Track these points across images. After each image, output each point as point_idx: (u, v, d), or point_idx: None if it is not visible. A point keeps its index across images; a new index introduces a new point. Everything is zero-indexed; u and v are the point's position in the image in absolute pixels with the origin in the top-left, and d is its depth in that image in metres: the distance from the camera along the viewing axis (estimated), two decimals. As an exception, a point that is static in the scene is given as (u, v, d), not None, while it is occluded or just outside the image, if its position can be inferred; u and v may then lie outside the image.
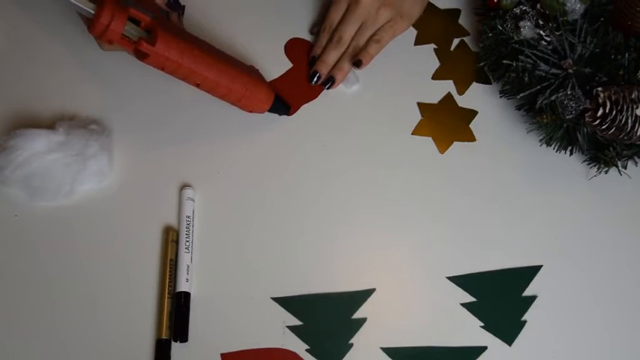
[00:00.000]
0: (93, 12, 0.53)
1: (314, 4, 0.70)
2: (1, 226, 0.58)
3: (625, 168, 0.61)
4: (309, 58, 0.66)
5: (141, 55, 0.55)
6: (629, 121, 0.56)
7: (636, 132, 0.57)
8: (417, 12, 0.68)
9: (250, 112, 0.62)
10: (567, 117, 0.58)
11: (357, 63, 0.64)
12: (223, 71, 0.58)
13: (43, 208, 0.59)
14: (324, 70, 0.65)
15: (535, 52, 0.60)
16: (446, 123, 0.65)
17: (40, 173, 0.57)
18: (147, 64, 0.55)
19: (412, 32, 0.69)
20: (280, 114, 0.64)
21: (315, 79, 0.65)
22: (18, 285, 0.56)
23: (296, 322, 0.57)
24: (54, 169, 0.57)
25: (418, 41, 0.69)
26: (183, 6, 0.63)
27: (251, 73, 0.61)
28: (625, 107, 0.56)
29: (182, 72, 0.56)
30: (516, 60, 0.61)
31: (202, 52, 0.56)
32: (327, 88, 0.65)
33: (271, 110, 0.62)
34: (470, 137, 0.65)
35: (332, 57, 0.65)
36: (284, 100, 0.63)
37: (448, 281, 0.59)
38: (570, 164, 0.64)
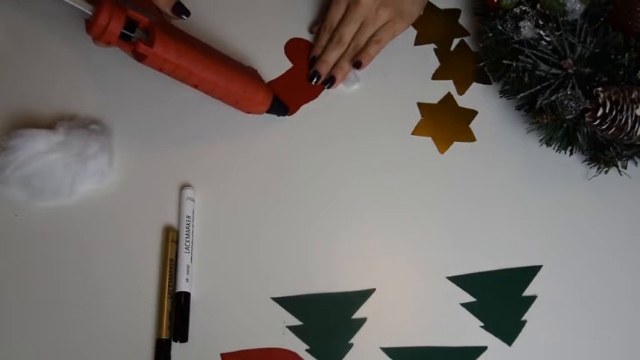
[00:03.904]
0: (91, 13, 0.53)
1: (314, 4, 0.70)
2: (1, 226, 0.58)
3: (625, 168, 0.61)
4: (310, 57, 0.66)
5: (139, 57, 0.55)
6: (629, 121, 0.56)
7: (636, 132, 0.56)
8: (417, 12, 0.68)
9: (248, 113, 0.62)
10: (567, 117, 0.58)
11: (357, 64, 0.64)
12: (221, 73, 0.58)
13: (43, 208, 0.59)
14: (324, 69, 0.65)
15: (535, 52, 0.60)
16: (446, 123, 0.65)
17: (40, 173, 0.57)
18: (145, 66, 0.55)
19: (412, 32, 0.69)
20: (279, 115, 0.64)
21: (316, 78, 0.65)
22: (18, 285, 0.56)
23: (296, 322, 0.56)
24: (54, 169, 0.57)
25: (418, 41, 0.69)
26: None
27: (249, 74, 0.61)
28: (625, 107, 0.56)
29: (180, 73, 0.56)
30: (516, 60, 0.61)
31: (200, 54, 0.56)
32: (328, 88, 0.66)
33: (269, 111, 0.62)
34: (470, 137, 0.65)
35: (332, 57, 0.65)
36: (282, 101, 0.63)
37: (448, 281, 0.59)
38: (570, 164, 0.64)
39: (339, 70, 0.65)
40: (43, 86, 0.64)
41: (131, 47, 0.54)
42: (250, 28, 0.68)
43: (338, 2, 0.65)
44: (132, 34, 0.54)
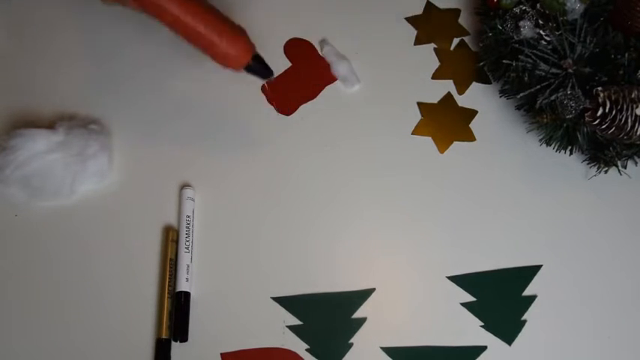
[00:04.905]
0: None
1: (314, 4, 0.70)
2: (1, 226, 0.58)
3: (625, 168, 0.61)
4: None
5: None
6: (629, 120, 0.56)
7: (636, 131, 0.56)
8: None
9: (225, 66, 0.57)
10: (567, 117, 0.58)
11: None
12: (197, 13, 0.55)
13: (43, 208, 0.59)
14: None
15: (535, 51, 0.60)
16: (446, 123, 0.65)
17: (40, 173, 0.57)
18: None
19: (412, 32, 0.69)
20: (262, 77, 0.59)
21: None
22: (18, 285, 0.56)
23: (296, 321, 0.57)
24: (54, 169, 0.57)
25: (418, 41, 0.69)
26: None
27: (233, 26, 0.57)
28: (625, 107, 0.56)
29: (154, 9, 0.54)
30: (516, 60, 0.60)
31: None
32: None
33: (249, 70, 0.57)
34: (470, 137, 0.65)
35: None
36: (266, 62, 0.58)
37: (448, 281, 0.59)
38: (570, 164, 0.64)
39: None
40: (43, 86, 0.64)
41: None
42: (250, 27, 0.68)
43: None
44: None
